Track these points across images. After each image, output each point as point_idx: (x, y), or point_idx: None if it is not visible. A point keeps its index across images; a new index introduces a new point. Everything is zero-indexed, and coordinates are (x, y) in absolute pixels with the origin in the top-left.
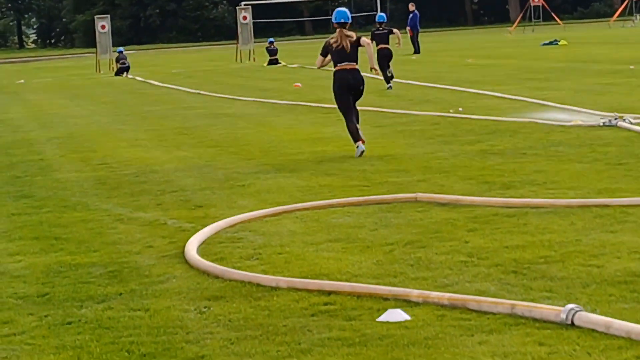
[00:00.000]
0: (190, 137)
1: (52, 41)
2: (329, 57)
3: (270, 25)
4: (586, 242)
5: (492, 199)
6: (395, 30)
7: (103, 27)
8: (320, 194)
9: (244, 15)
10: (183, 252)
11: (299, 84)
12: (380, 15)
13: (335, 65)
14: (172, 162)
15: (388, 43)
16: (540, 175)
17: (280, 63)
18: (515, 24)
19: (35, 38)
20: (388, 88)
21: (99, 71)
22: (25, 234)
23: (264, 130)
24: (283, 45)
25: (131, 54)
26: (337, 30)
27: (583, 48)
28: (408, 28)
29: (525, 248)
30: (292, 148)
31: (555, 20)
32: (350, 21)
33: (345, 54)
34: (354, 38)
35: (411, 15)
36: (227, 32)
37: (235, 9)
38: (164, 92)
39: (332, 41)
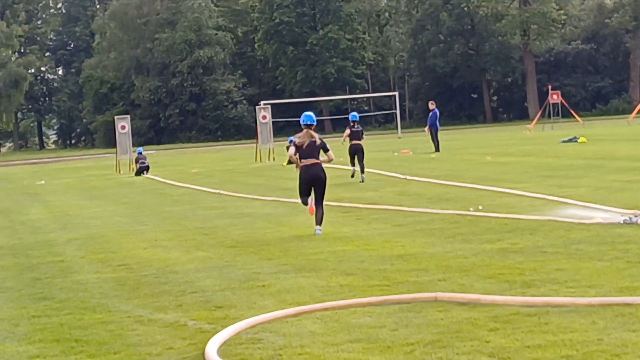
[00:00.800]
0: (210, 237)
1: (73, 142)
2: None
3: (290, 124)
4: (608, 342)
5: (512, 298)
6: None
7: (123, 127)
8: (340, 293)
9: (264, 115)
10: (203, 353)
11: None
12: (353, 114)
13: (300, 160)
14: (192, 262)
15: (361, 139)
16: (561, 273)
17: None
18: (535, 121)
19: (56, 139)
20: (361, 180)
21: (119, 171)
22: (46, 337)
23: (284, 230)
24: None
25: (151, 153)
26: (305, 130)
27: (602, 145)
28: (427, 127)
29: (546, 347)
30: (311, 247)
31: (575, 117)
32: (315, 124)
33: (309, 152)
34: (319, 141)
35: (431, 113)
36: (246, 131)
37: (255, 109)
38: (184, 192)
39: (299, 140)
